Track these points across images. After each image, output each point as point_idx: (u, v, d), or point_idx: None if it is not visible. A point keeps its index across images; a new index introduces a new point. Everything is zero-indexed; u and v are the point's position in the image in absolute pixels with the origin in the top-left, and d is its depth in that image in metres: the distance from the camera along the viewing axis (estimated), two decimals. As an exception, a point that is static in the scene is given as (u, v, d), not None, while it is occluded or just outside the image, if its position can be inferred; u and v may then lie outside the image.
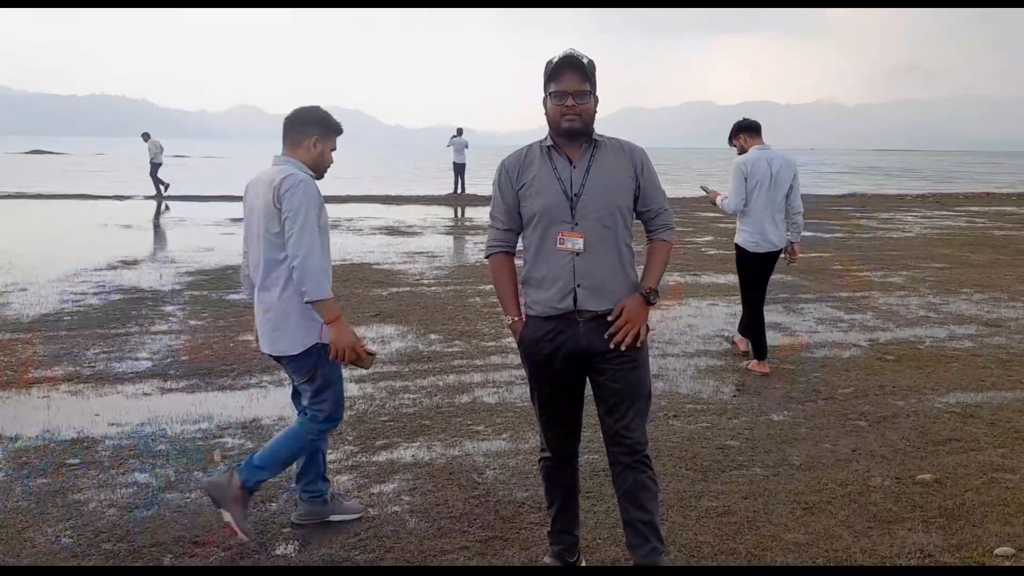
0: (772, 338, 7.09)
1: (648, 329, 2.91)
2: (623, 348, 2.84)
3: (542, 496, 3.25)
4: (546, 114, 2.89)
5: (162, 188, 23.55)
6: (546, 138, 2.95)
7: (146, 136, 24.37)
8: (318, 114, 3.57)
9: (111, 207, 20.75)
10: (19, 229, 16.70)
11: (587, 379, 2.97)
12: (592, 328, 2.86)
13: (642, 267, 2.99)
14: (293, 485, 3.73)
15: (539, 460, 3.14)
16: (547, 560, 3.14)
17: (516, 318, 2.98)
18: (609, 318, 2.85)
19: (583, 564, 3.20)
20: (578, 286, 2.84)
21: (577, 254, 2.83)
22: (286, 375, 3.92)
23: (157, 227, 16.68)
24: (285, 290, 3.39)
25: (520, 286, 3.00)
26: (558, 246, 2.85)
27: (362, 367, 3.49)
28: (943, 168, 70.73)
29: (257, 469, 3.45)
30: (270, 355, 3.52)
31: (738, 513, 3.70)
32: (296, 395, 3.70)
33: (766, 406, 5.25)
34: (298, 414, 3.62)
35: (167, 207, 21.10)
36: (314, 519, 3.65)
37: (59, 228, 16.46)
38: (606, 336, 2.84)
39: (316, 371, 3.45)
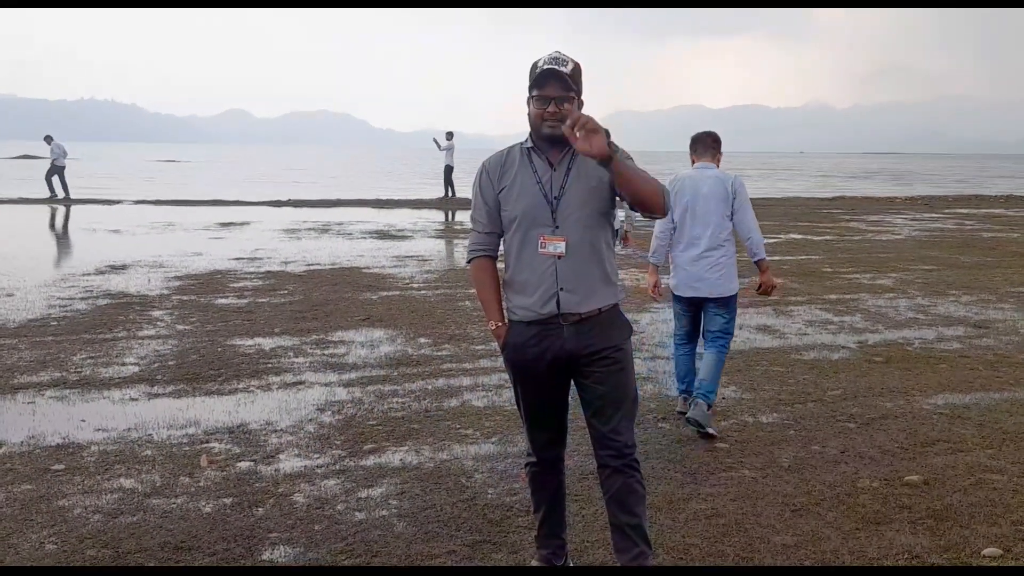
0: (761, 341, 7.11)
1: (612, 146, 2.64)
2: (569, 124, 2.60)
3: (529, 500, 3.23)
4: (528, 115, 2.88)
5: (58, 192, 23.17)
6: (527, 140, 2.94)
7: (48, 139, 23.94)
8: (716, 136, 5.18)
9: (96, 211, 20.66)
10: (4, 234, 16.61)
11: (572, 383, 2.96)
12: (576, 331, 2.84)
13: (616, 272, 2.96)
14: (687, 390, 5.05)
15: (525, 464, 3.13)
16: (535, 564, 3.13)
17: (499, 324, 2.97)
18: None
19: (571, 567, 3.18)
20: (561, 289, 2.83)
21: (559, 257, 2.82)
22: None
23: (63, 231, 16.44)
24: (727, 252, 4.95)
25: (502, 291, 2.99)
26: (540, 250, 2.83)
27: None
28: (932, 170, 71.12)
29: (710, 392, 4.79)
30: (706, 297, 4.93)
31: (727, 515, 3.69)
32: (696, 336, 5.16)
33: (755, 408, 5.26)
34: (708, 343, 4.98)
35: (61, 207, 20.98)
36: (701, 422, 4.68)
37: (45, 232, 16.36)
38: (600, 325, 2.82)
39: (735, 305, 5.02)
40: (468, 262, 3.06)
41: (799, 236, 15.76)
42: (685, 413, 4.88)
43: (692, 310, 5.09)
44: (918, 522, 3.61)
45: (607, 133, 2.64)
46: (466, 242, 3.08)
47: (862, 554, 3.31)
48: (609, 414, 2.87)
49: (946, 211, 23.34)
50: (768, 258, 5.13)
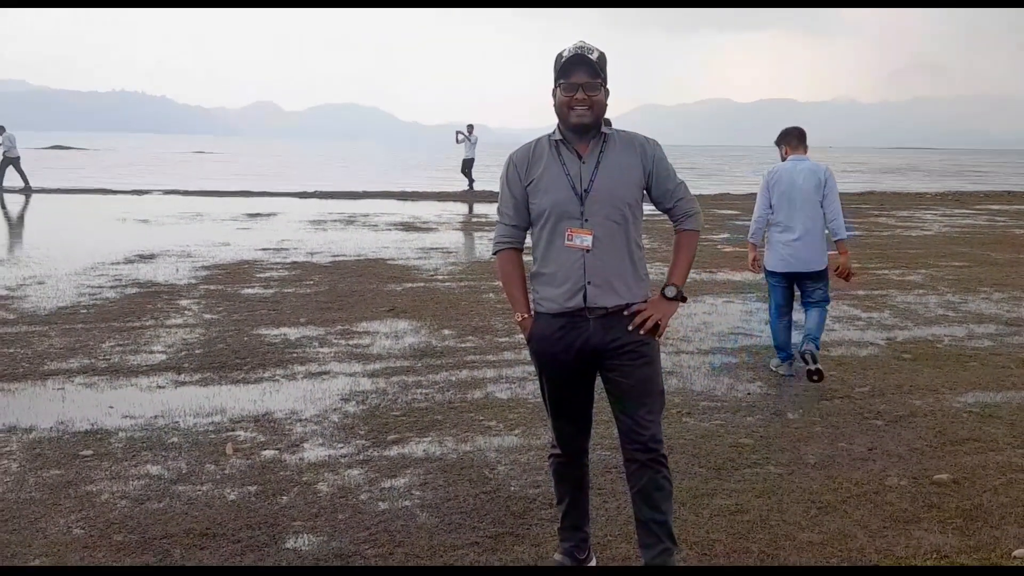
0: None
1: (680, 297, 2.93)
2: (641, 332, 2.82)
3: (552, 492, 3.22)
4: (555, 107, 2.86)
5: (17, 183, 23.19)
6: (554, 131, 2.92)
7: (0, 129, 23.85)
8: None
9: (129, 201, 20.90)
10: (38, 223, 16.86)
11: (598, 376, 2.94)
12: (603, 324, 2.83)
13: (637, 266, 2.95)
14: (788, 356, 5.88)
15: (549, 456, 3.12)
16: (557, 557, 3.12)
17: (525, 315, 2.96)
18: (626, 312, 2.83)
19: (594, 561, 3.17)
20: (588, 283, 2.81)
21: (587, 251, 2.80)
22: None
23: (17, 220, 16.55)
24: (819, 233, 5.73)
25: (529, 283, 2.98)
26: (566, 243, 2.82)
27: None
28: (963, 167, 70.02)
29: (816, 339, 5.71)
30: (802, 272, 5.77)
31: (751, 511, 3.66)
32: (788, 308, 5.93)
33: (781, 404, 5.20)
34: (811, 306, 5.81)
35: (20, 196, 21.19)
36: (815, 355, 5.60)
37: (76, 222, 16.59)
38: (627, 319, 2.82)
39: (827, 275, 5.85)
40: (494, 254, 3.05)
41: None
42: (786, 374, 5.83)
43: (786, 283, 5.90)
44: (947, 521, 3.55)
45: (679, 295, 2.92)
46: (491, 235, 3.08)
47: (889, 553, 3.26)
48: (635, 408, 2.85)
49: (977, 207, 22.96)
50: (849, 237, 6.04)
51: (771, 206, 5.79)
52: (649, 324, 2.83)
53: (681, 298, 2.92)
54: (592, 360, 2.87)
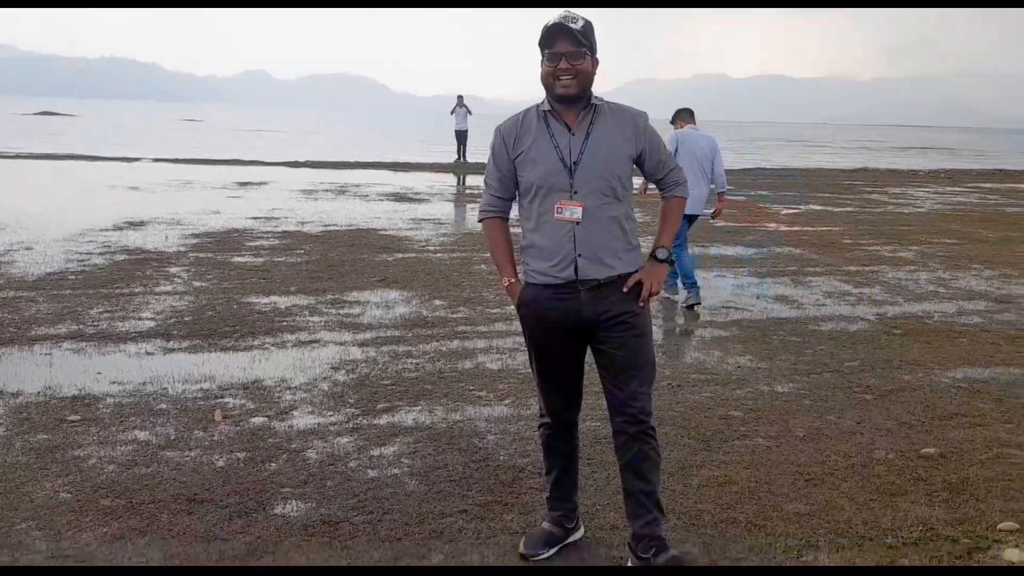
0: (779, 311, 7.05)
1: (670, 259, 2.96)
2: (640, 301, 2.83)
3: (541, 462, 3.22)
4: (541, 78, 2.81)
5: None
6: (543, 102, 2.87)
7: None
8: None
9: (116, 168, 20.71)
10: (25, 188, 16.69)
11: (589, 348, 2.92)
12: (594, 296, 2.81)
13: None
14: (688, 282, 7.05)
15: (539, 426, 3.11)
16: (545, 526, 3.12)
17: (512, 280, 2.94)
18: (625, 289, 2.83)
19: (581, 530, 3.18)
20: (579, 256, 2.78)
21: (576, 223, 2.77)
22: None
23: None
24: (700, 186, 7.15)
25: (518, 256, 2.95)
26: (555, 215, 2.78)
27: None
28: (957, 144, 69.99)
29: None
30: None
31: (739, 483, 3.67)
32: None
33: (771, 377, 5.21)
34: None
35: None
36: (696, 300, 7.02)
37: (65, 188, 16.43)
38: (624, 290, 2.82)
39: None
40: (479, 221, 3.03)
41: (819, 207, 15.57)
42: (695, 302, 7.07)
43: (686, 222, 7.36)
44: (934, 494, 3.57)
45: (668, 259, 2.94)
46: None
47: (876, 524, 3.28)
48: (626, 380, 2.83)
49: (969, 185, 22.99)
50: (726, 191, 7.58)
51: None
52: (645, 294, 2.81)
53: (669, 260, 2.93)
54: (583, 332, 2.86)
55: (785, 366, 5.46)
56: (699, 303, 7.07)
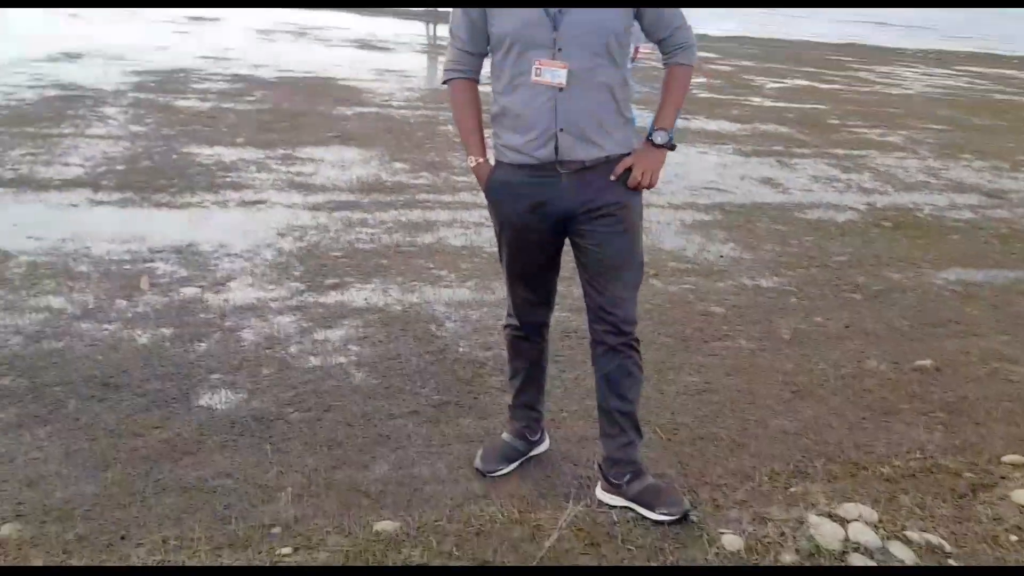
0: (764, 194, 6.62)
1: (670, 144, 2.41)
2: (628, 185, 2.34)
3: (505, 360, 2.82)
4: None
5: None
6: None
7: None
8: None
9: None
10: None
11: (567, 242, 2.46)
12: (577, 182, 2.31)
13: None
14: None
15: (504, 327, 2.69)
16: (505, 437, 2.75)
17: (480, 160, 2.42)
18: (613, 177, 2.33)
19: (547, 442, 2.82)
20: (560, 130, 2.26)
21: (560, 89, 2.24)
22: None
23: None
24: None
25: (489, 124, 2.41)
26: (534, 78, 2.24)
27: None
28: (951, 21, 68.20)
29: None
30: None
31: (720, 392, 3.33)
32: None
33: (755, 270, 4.84)
34: None
35: None
36: None
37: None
38: (612, 177, 2.33)
39: None
40: (444, 83, 2.48)
41: (805, 82, 14.87)
42: None
43: None
44: (930, 415, 3.27)
45: (670, 142, 2.39)
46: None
47: (870, 450, 2.97)
48: (607, 282, 2.39)
49: (958, 68, 22.29)
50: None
51: None
52: (635, 179, 2.33)
53: (670, 146, 2.39)
54: (562, 224, 2.38)
55: (769, 258, 5.08)
56: None
